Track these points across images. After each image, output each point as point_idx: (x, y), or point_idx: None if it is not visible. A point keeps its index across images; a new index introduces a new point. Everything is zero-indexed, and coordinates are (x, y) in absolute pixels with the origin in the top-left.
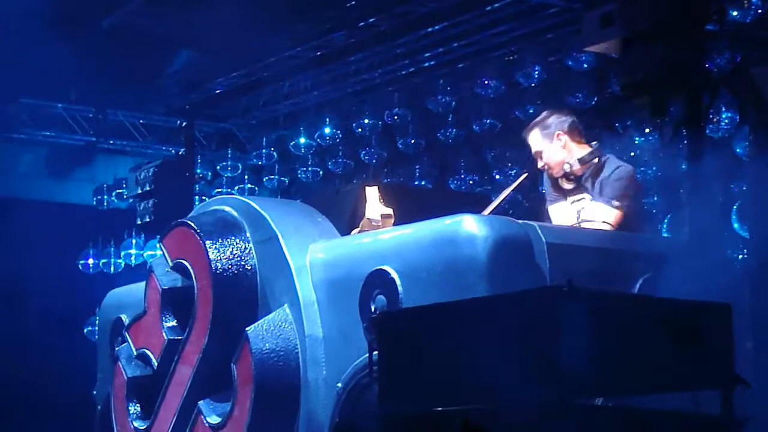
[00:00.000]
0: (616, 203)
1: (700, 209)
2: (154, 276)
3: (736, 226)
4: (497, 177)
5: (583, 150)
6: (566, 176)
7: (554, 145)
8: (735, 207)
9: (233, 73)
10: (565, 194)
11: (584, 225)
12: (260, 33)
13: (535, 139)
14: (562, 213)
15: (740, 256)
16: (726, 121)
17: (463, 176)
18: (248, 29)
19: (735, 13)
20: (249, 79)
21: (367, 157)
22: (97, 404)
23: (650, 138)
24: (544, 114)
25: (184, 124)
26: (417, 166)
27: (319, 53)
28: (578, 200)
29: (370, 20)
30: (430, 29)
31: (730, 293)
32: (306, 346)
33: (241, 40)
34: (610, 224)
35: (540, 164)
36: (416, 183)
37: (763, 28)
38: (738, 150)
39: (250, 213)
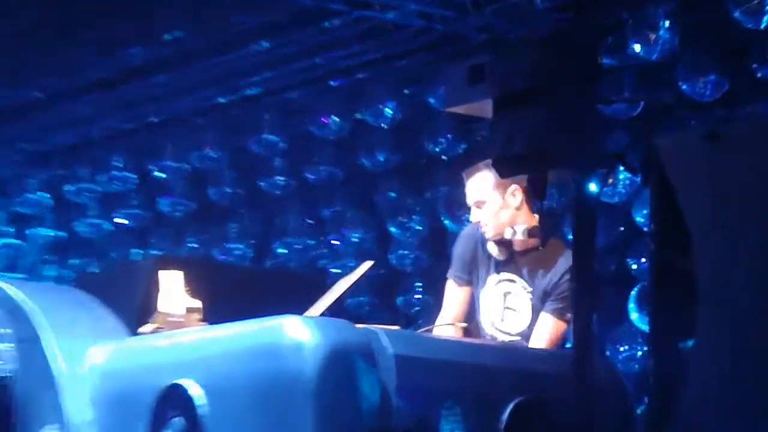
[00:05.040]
0: (569, 316)
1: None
2: None
3: (634, 316)
4: (334, 242)
5: (532, 221)
6: (502, 243)
7: (507, 200)
8: (634, 292)
9: None
10: (489, 266)
11: (509, 313)
12: (40, 44)
13: (483, 184)
14: (486, 295)
15: (639, 353)
16: (625, 183)
17: (291, 239)
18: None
19: (638, 48)
20: (17, 102)
21: (168, 209)
22: None
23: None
24: None
25: None
26: (233, 224)
27: (108, 73)
28: (506, 280)
29: (177, 33)
30: (254, 47)
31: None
32: None
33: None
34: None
35: (475, 216)
36: (232, 246)
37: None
38: (638, 219)
39: (5, 303)
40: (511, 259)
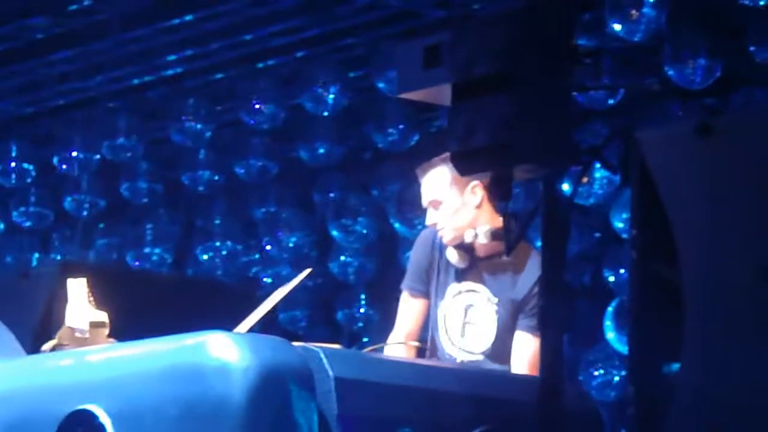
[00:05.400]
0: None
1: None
2: None
3: (611, 336)
4: (267, 248)
5: (496, 222)
6: (462, 248)
7: (466, 198)
8: (611, 308)
9: None
10: (448, 275)
11: (471, 328)
12: None
13: (439, 181)
14: (445, 308)
15: (616, 378)
16: (602, 183)
17: (217, 244)
18: None
19: (618, 28)
20: None
21: (74, 207)
22: None
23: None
24: None
25: None
26: (150, 225)
27: (5, 47)
28: (468, 291)
29: (85, 2)
30: (176, 20)
31: None
32: None
33: None
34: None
35: (431, 219)
36: (148, 250)
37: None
38: (616, 223)
39: None
40: (473, 266)
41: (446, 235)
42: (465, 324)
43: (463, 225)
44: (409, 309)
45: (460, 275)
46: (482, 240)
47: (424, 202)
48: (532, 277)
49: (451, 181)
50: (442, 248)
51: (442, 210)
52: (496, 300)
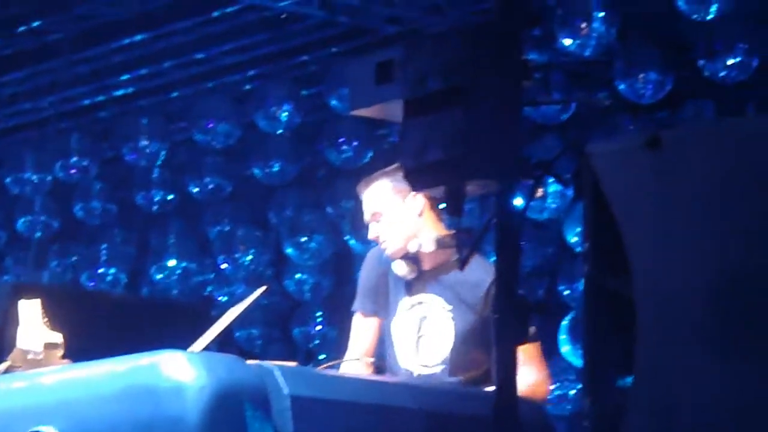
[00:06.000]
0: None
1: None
2: None
3: (566, 349)
4: (222, 266)
5: (440, 230)
6: (408, 259)
7: (406, 208)
8: (565, 322)
9: None
10: (398, 289)
11: (425, 340)
12: None
13: (380, 193)
14: (399, 323)
15: (571, 392)
16: (555, 197)
17: (172, 263)
18: None
19: (568, 43)
20: None
21: (26, 228)
22: None
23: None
24: (398, 165)
25: None
26: (104, 245)
27: None
28: (420, 303)
29: (35, 24)
30: (126, 40)
31: None
32: None
33: None
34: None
35: (373, 233)
36: (102, 271)
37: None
38: (570, 238)
39: None
40: (421, 277)
41: (390, 247)
42: (419, 338)
43: (406, 235)
44: (362, 329)
45: (410, 288)
46: (427, 248)
47: (366, 216)
48: (479, 281)
49: (391, 191)
50: (389, 264)
51: (383, 221)
52: (449, 308)
